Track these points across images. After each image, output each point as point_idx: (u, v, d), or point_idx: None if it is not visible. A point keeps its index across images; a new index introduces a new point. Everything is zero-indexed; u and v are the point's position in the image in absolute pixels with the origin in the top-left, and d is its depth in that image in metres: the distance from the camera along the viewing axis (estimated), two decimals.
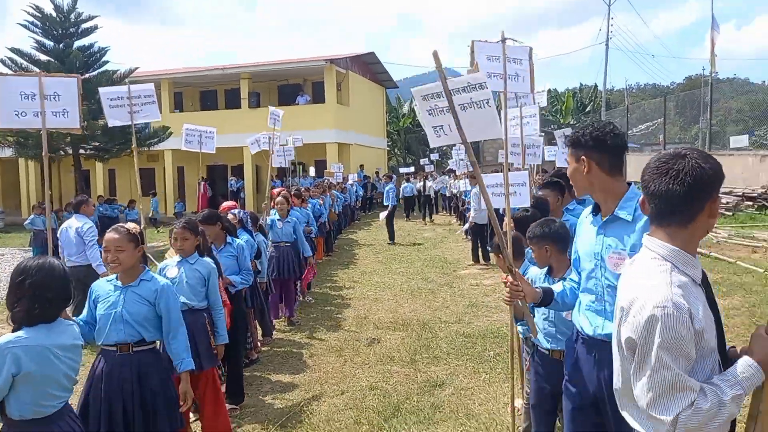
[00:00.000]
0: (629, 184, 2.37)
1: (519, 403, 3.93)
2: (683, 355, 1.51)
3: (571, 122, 33.81)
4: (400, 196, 21.18)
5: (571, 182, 2.50)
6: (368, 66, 27.62)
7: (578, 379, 2.46)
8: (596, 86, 34.28)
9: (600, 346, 2.35)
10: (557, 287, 2.75)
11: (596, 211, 2.43)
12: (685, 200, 1.60)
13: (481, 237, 10.84)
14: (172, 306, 3.16)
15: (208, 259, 4.09)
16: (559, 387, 2.83)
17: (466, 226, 11.94)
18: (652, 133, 23.04)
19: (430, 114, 3.08)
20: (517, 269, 2.82)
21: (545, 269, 3.17)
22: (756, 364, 1.54)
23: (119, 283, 3.10)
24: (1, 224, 22.52)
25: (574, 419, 2.51)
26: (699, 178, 1.57)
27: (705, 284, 1.66)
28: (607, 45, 28.32)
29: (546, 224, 3.12)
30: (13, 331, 2.41)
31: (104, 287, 3.14)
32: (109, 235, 3.04)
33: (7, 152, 18.95)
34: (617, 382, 1.77)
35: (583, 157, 2.34)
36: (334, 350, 6.03)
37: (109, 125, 6.47)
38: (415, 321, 7.01)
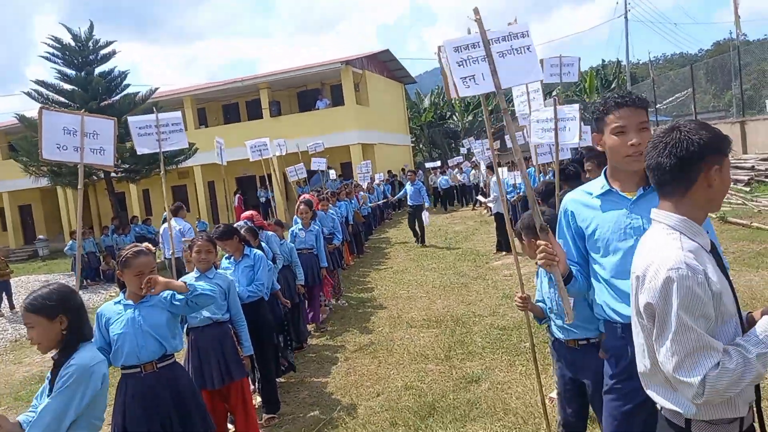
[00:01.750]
0: None
1: (555, 393, 3.83)
2: (703, 315, 1.50)
3: (597, 100, 33.05)
4: (438, 188, 21.28)
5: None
6: (384, 64, 27.56)
7: (628, 374, 2.19)
8: (619, 61, 33.39)
9: None
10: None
11: (600, 191, 2.30)
12: (674, 172, 1.62)
13: (499, 226, 10.81)
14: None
15: (222, 271, 4.16)
16: (581, 375, 2.79)
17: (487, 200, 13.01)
18: (683, 104, 22.22)
19: (459, 65, 2.90)
20: (551, 233, 2.42)
21: None
22: None
23: (129, 302, 3.09)
24: (47, 251, 23.29)
25: (629, 419, 2.24)
26: (685, 150, 1.59)
27: (715, 254, 1.66)
28: (626, 17, 27.58)
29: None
30: (67, 354, 2.38)
31: (113, 309, 3.11)
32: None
33: (43, 182, 19.51)
34: (643, 362, 1.72)
35: None
36: (368, 352, 6.02)
37: (138, 153, 6.53)
38: (448, 317, 6.95)
